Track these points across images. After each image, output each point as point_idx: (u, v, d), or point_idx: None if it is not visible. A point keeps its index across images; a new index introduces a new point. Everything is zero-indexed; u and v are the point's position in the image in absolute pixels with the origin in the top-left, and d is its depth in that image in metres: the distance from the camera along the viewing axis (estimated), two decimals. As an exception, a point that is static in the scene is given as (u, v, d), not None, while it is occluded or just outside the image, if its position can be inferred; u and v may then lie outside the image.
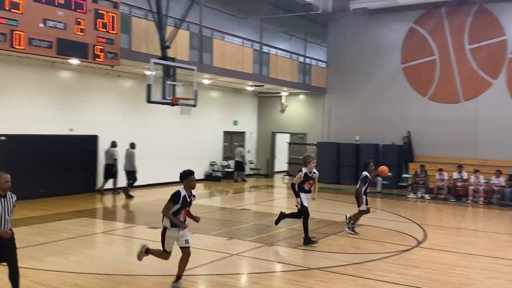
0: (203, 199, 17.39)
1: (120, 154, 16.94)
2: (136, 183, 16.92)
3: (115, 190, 17.14)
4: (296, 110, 25.04)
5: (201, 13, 17.49)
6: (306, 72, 23.17)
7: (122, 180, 16.93)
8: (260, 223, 13.04)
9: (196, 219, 7.46)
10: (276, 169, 25.93)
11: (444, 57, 21.08)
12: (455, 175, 18.58)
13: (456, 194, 18.36)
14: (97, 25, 13.25)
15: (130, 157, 16.72)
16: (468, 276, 8.44)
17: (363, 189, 11.48)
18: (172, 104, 15.12)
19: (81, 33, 12.84)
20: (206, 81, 20.05)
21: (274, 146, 25.67)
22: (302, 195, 10.29)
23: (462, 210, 16.56)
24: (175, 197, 7.05)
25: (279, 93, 24.58)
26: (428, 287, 7.74)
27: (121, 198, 16.45)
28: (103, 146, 17.24)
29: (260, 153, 25.59)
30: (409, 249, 10.23)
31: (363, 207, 11.54)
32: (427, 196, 18.63)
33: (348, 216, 11.67)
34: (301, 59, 23.27)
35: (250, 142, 25.11)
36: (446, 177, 18.77)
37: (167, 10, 14.97)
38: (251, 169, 24.77)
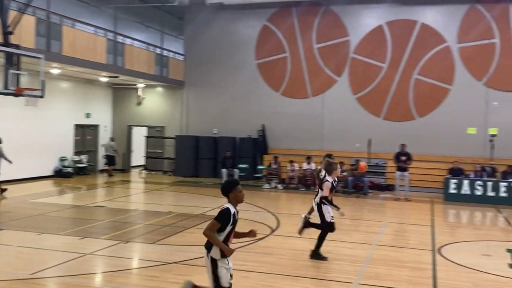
0: (53, 197, 16.38)
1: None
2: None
3: None
4: (153, 102, 24.63)
5: (48, -3, 16.34)
6: (163, 64, 22.88)
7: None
8: (115, 220, 12.63)
9: (251, 233, 5.88)
10: (133, 164, 25.28)
11: (295, 55, 22.27)
12: (305, 165, 19.82)
13: (306, 184, 19.60)
14: None
15: None
16: (316, 260, 9.05)
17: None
18: (15, 95, 13.94)
19: None
20: (55, 71, 18.81)
21: (130, 140, 24.98)
22: (326, 207, 9.10)
23: (311, 198, 17.53)
24: (225, 216, 5.44)
25: (135, 85, 23.94)
26: (280, 272, 8.16)
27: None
28: None
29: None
30: (263, 238, 10.68)
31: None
32: (279, 186, 19.63)
33: (303, 216, 11.77)
34: (158, 51, 22.92)
35: (105, 136, 24.15)
36: (297, 168, 19.93)
37: (10, -7, 13.74)
38: (106, 163, 23.83)
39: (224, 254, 5.49)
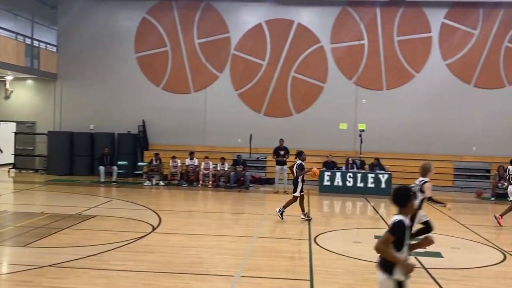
0: None
1: None
2: None
3: None
4: (23, 96, 22.94)
5: None
6: (34, 55, 21.37)
7: None
8: (-19, 223, 11.59)
9: (426, 241, 5.14)
10: (0, 162, 23.35)
11: (176, 49, 22.04)
12: (188, 161, 19.75)
13: (188, 179, 19.56)
14: None
15: None
16: (198, 255, 9.09)
17: (300, 176, 12.61)
18: None
19: None
20: None
21: (-3, 137, 23.06)
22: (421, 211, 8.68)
23: (193, 194, 17.70)
24: (399, 229, 4.62)
25: (3, 77, 22.13)
26: (162, 270, 8.07)
27: None
28: None
29: (-21, 144, 22.67)
30: (144, 236, 10.47)
31: (297, 194, 12.64)
32: (161, 183, 19.36)
33: (278, 210, 12.73)
34: (28, 41, 21.38)
35: (-33, 132, 22.04)
36: (179, 164, 19.79)
37: None
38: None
39: (405, 272, 4.65)
